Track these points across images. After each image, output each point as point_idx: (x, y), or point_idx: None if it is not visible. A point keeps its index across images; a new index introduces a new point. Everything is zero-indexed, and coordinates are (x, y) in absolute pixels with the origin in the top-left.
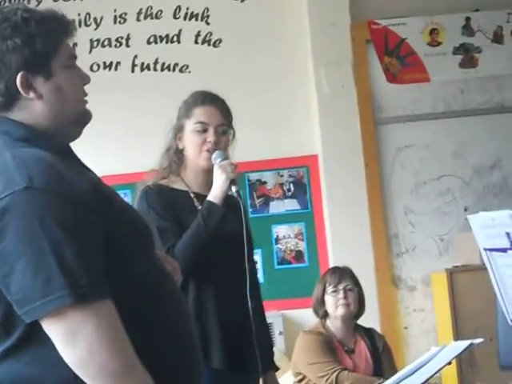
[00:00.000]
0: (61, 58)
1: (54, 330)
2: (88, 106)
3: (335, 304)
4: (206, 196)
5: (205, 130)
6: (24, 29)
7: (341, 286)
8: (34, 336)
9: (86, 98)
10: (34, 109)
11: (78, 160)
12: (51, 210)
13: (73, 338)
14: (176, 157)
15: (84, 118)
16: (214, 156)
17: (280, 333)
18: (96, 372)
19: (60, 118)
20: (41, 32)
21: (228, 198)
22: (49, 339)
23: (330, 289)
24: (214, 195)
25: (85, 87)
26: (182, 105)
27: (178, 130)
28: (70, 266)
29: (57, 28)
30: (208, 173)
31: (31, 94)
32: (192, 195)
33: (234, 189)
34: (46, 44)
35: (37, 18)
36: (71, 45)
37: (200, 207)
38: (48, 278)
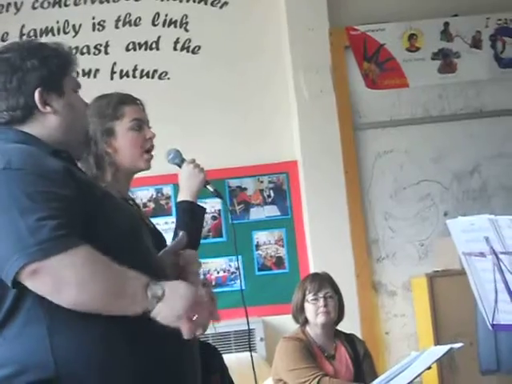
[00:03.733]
0: (70, 81)
1: (36, 286)
2: None
3: (315, 312)
4: (127, 199)
5: (140, 128)
6: (40, 52)
7: (321, 294)
8: (19, 313)
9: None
10: (47, 122)
11: (75, 165)
12: (22, 184)
13: (56, 286)
14: (110, 163)
15: (87, 136)
16: (171, 156)
17: (261, 339)
18: (91, 304)
19: (71, 133)
20: (54, 55)
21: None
22: (33, 316)
23: (309, 296)
24: (193, 195)
25: None
26: (98, 112)
27: (108, 135)
28: (36, 228)
29: (65, 57)
30: (133, 175)
31: (47, 108)
32: (131, 202)
33: (211, 188)
34: (59, 65)
35: (49, 46)
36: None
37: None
38: (18, 240)
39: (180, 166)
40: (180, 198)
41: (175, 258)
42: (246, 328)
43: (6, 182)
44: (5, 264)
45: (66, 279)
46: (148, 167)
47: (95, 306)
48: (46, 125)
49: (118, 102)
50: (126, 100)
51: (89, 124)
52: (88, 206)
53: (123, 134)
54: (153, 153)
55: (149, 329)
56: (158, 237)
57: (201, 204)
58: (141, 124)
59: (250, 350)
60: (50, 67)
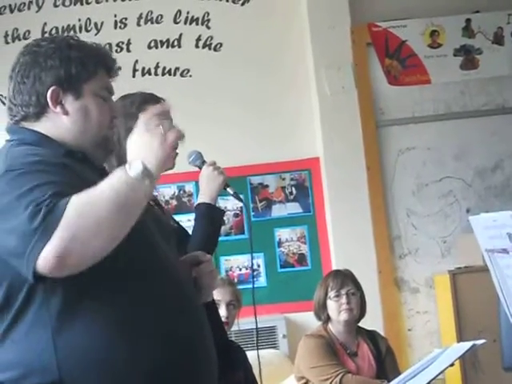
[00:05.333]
0: (93, 86)
1: (71, 265)
2: None
3: (338, 309)
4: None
5: None
6: (65, 52)
7: (343, 291)
8: (25, 316)
9: (113, 128)
10: (59, 123)
11: (92, 166)
12: (19, 182)
13: (84, 250)
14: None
15: (107, 143)
16: (192, 157)
17: (283, 336)
18: (116, 231)
19: (83, 137)
20: (79, 58)
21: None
22: (38, 319)
23: (332, 293)
24: (212, 197)
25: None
26: (122, 108)
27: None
28: (35, 213)
29: (96, 60)
30: None
31: (58, 109)
32: (151, 202)
33: (231, 190)
34: (80, 69)
35: (80, 47)
36: (111, 82)
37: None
38: (23, 234)
39: (200, 168)
40: (199, 199)
41: (190, 267)
42: (269, 325)
43: (6, 183)
44: (21, 260)
45: (82, 237)
46: (172, 165)
47: (123, 226)
48: (57, 125)
49: (142, 102)
50: (150, 99)
51: (111, 133)
52: None
53: None
54: (177, 150)
55: (156, 329)
56: (182, 235)
57: (220, 206)
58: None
59: (258, 349)
60: (69, 68)
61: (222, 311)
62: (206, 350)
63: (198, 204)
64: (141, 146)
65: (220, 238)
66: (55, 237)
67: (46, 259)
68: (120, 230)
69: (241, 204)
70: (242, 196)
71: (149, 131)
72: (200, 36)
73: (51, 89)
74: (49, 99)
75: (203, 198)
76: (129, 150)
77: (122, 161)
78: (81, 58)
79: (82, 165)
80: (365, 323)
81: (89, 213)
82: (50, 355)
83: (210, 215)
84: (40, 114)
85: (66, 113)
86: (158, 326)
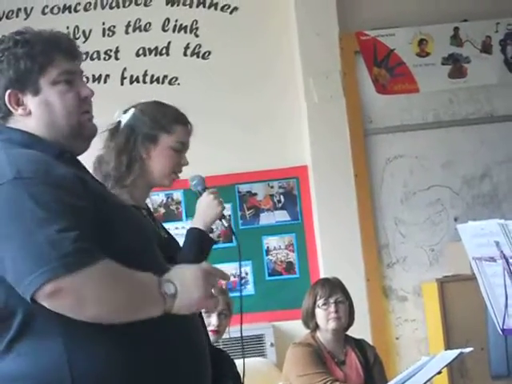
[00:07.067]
0: (51, 75)
1: (56, 306)
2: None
3: (326, 317)
4: (142, 208)
5: (180, 151)
6: (12, 51)
7: (332, 299)
8: (32, 327)
9: (85, 112)
10: (25, 122)
11: (81, 167)
12: (34, 193)
13: (79, 304)
14: (140, 167)
15: (81, 130)
16: (195, 182)
17: (271, 344)
18: (113, 317)
19: (52, 131)
20: (25, 53)
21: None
22: (47, 331)
23: (320, 302)
24: (207, 225)
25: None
26: (152, 116)
27: (150, 141)
28: (57, 240)
29: (47, 49)
30: (153, 187)
31: (20, 110)
32: (144, 212)
33: (225, 223)
34: (30, 64)
35: (26, 41)
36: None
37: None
38: (39, 254)
39: (201, 194)
40: (193, 224)
41: None
42: (256, 334)
43: (19, 192)
44: (23, 278)
45: (89, 296)
46: (170, 185)
47: (118, 318)
48: (25, 125)
49: (174, 120)
50: (182, 120)
51: (85, 117)
52: (98, 218)
53: (163, 148)
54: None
55: (169, 342)
56: (172, 244)
57: (211, 236)
58: (183, 148)
59: (243, 357)
60: (18, 67)
61: (214, 320)
62: (205, 358)
63: (191, 228)
64: (187, 280)
65: None
66: (68, 281)
67: (44, 292)
68: (117, 318)
69: (229, 212)
70: (229, 204)
71: (204, 281)
72: (188, 44)
73: (7, 93)
74: (7, 103)
75: (198, 223)
76: (174, 270)
77: (131, 162)
78: (27, 52)
79: (72, 165)
80: (353, 331)
81: (107, 289)
82: (64, 368)
83: (201, 241)
84: (7, 118)
85: (29, 112)
86: (167, 338)
